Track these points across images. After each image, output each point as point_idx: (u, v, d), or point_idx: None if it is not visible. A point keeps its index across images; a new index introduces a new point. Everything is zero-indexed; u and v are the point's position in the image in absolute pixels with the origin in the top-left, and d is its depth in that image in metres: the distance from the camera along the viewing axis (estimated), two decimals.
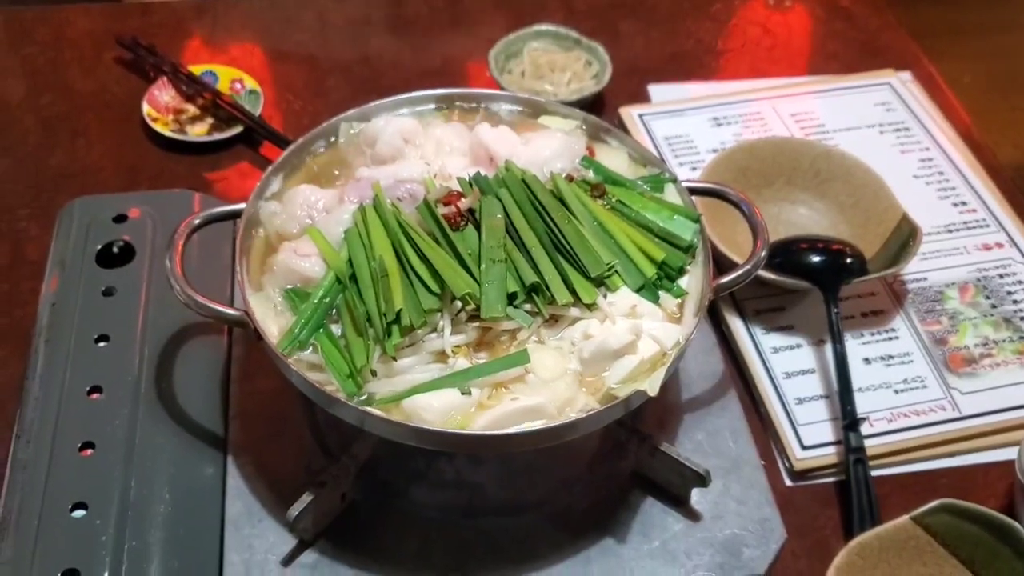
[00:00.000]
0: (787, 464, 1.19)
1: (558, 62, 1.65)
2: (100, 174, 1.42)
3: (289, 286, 0.98)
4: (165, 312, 1.08)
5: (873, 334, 1.33)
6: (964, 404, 1.25)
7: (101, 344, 1.05)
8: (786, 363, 1.29)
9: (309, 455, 1.02)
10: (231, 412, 1.03)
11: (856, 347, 1.31)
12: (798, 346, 1.32)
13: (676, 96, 1.69)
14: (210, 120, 1.51)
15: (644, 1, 1.90)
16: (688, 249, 1.02)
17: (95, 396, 1.00)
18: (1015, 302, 1.38)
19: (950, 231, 1.46)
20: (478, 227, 0.99)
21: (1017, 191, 1.53)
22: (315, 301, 0.95)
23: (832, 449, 1.20)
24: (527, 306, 0.95)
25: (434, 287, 0.93)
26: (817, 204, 1.43)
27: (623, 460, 1.07)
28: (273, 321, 0.95)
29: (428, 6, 1.85)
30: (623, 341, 0.92)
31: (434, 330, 0.93)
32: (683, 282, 1.01)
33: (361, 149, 1.12)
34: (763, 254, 1.02)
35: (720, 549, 1.00)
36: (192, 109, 1.53)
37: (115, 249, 1.13)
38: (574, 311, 0.95)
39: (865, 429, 1.19)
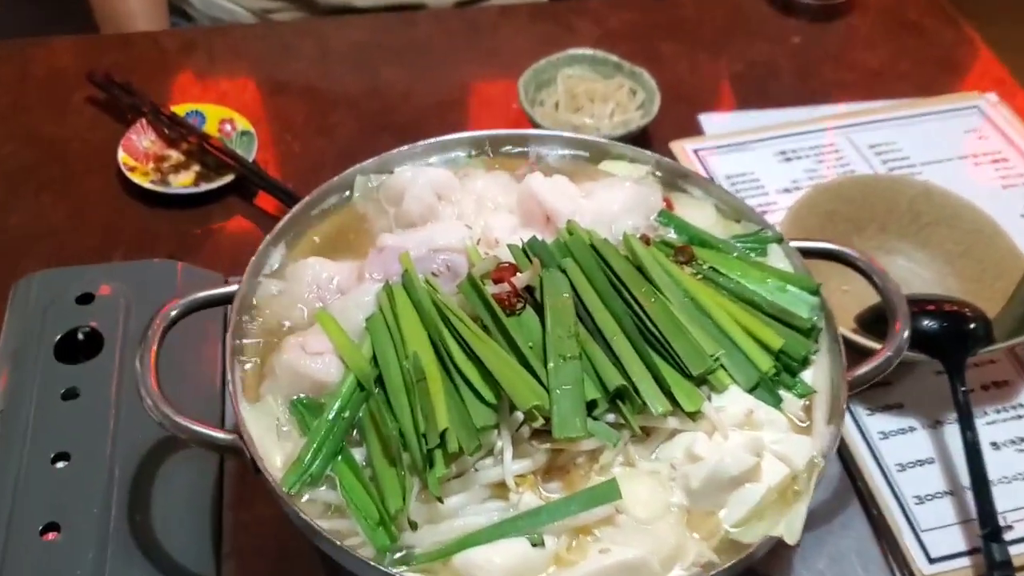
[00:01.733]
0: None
1: (598, 91, 1.42)
2: (68, 236, 1.24)
3: (296, 396, 0.75)
4: (141, 421, 0.85)
5: (999, 411, 1.10)
6: None
7: (59, 464, 0.86)
8: (899, 451, 1.06)
9: None
10: (225, 550, 0.86)
11: (979, 428, 1.07)
12: (911, 429, 1.09)
13: (733, 127, 1.46)
14: (196, 168, 1.32)
15: (686, 19, 1.68)
16: (810, 332, 0.78)
17: (51, 536, 0.80)
18: None
19: None
20: (540, 310, 0.76)
21: None
22: (330, 418, 0.73)
23: (967, 561, 0.97)
24: (610, 416, 0.72)
25: (488, 396, 0.70)
26: (918, 254, 1.21)
27: None
28: (276, 445, 0.73)
29: (442, 29, 1.64)
30: (743, 465, 0.69)
31: (489, 453, 0.70)
32: (807, 376, 0.77)
33: (383, 208, 0.90)
34: (905, 336, 0.79)
35: None
36: (176, 156, 1.35)
37: (80, 336, 0.91)
38: (671, 421, 0.72)
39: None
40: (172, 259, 1.12)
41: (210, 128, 1.37)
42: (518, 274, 0.78)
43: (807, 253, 0.87)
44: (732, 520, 0.70)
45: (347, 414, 0.74)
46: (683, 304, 0.80)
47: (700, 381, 0.75)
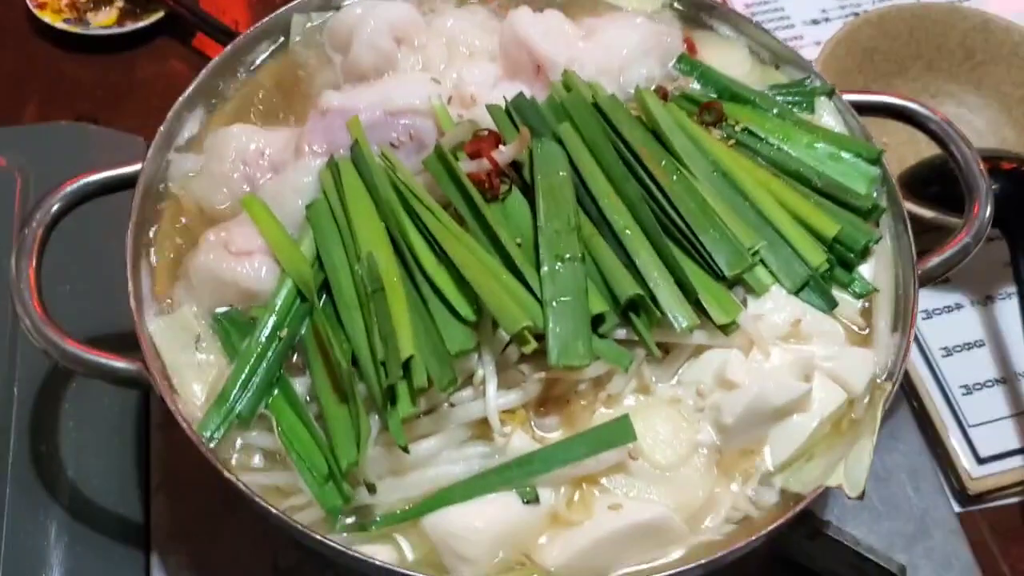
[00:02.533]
0: (954, 484, 0.85)
1: None
2: None
3: (221, 308, 0.58)
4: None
5: None
6: None
7: None
8: (944, 333, 0.94)
9: (276, 542, 0.68)
10: (153, 482, 0.72)
11: None
12: (957, 307, 0.96)
13: None
14: (120, 3, 1.16)
15: None
16: (871, 213, 0.62)
17: None
18: None
19: None
20: (530, 194, 0.59)
21: None
22: (262, 337, 0.57)
23: (1019, 460, 0.86)
24: (621, 331, 0.56)
25: (465, 311, 0.55)
26: (970, 98, 1.06)
27: None
28: (195, 371, 0.58)
29: None
30: (790, 393, 0.55)
31: (468, 382, 0.54)
32: (865, 271, 0.62)
33: (326, 56, 0.72)
34: (987, 217, 0.63)
35: None
36: None
37: None
38: (697, 336, 0.57)
39: None
40: (86, 120, 0.93)
41: None
42: (501, 146, 0.61)
43: (863, 109, 0.69)
44: (775, 462, 0.56)
45: (284, 332, 0.59)
46: (712, 181, 0.63)
47: (733, 282, 0.59)
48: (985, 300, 0.95)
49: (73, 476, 0.69)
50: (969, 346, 0.93)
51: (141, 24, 1.11)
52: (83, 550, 0.69)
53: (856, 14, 1.14)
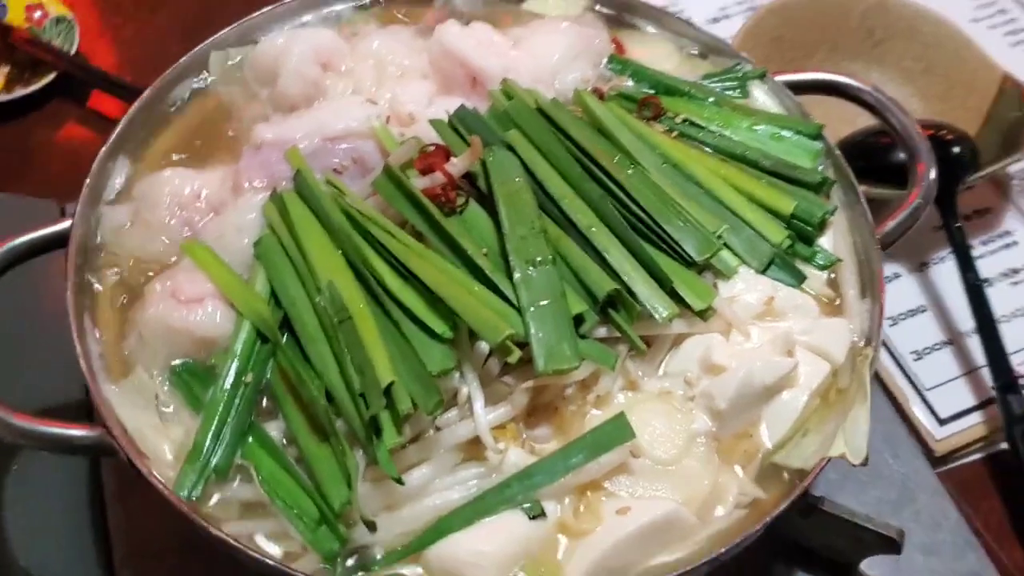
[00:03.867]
0: (922, 448, 0.85)
1: None
2: None
3: (177, 360, 0.55)
4: None
5: (985, 243, 1.00)
6: None
7: None
8: (887, 304, 0.92)
9: None
10: (117, 555, 0.66)
11: None
12: (896, 277, 0.99)
13: None
14: (5, 70, 1.11)
15: None
16: (821, 187, 0.62)
17: None
18: None
19: None
20: (488, 203, 0.57)
21: None
22: (226, 386, 0.53)
23: (979, 417, 0.88)
24: (600, 330, 0.54)
25: (440, 328, 0.52)
26: (875, 76, 1.08)
27: None
28: (160, 433, 0.54)
29: None
30: (778, 370, 0.54)
31: (452, 403, 0.52)
32: (825, 243, 0.62)
33: (251, 91, 0.69)
34: (932, 177, 0.64)
35: None
36: None
37: None
38: (676, 325, 0.56)
39: None
40: None
41: (15, 18, 1.13)
42: (451, 159, 0.59)
43: (797, 88, 0.70)
44: (772, 440, 0.55)
45: (250, 377, 0.54)
46: (664, 173, 0.62)
47: (701, 269, 0.59)
48: (920, 267, 0.97)
49: (27, 564, 0.64)
50: (913, 312, 0.95)
51: (31, 89, 1.06)
52: None
53: (754, 8, 1.16)
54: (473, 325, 0.52)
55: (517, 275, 0.54)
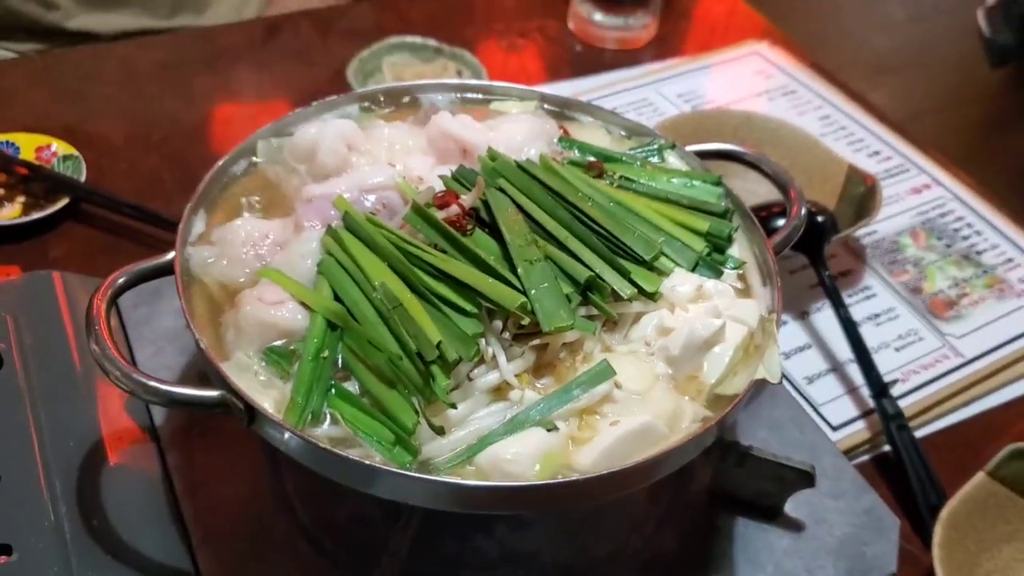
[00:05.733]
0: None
1: (426, 73, 1.46)
2: None
3: (270, 344, 0.72)
4: (64, 428, 0.79)
5: (850, 295, 1.24)
6: (963, 348, 1.19)
7: None
8: (781, 343, 1.17)
9: (311, 568, 0.75)
10: (194, 538, 0.77)
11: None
12: (784, 323, 1.20)
13: (570, 92, 1.54)
14: (22, 199, 1.24)
15: (477, 5, 1.75)
16: (725, 214, 0.86)
17: (3, 559, 0.69)
18: (964, 238, 1.34)
19: (880, 181, 1.40)
20: (490, 229, 0.78)
21: (913, 133, 1.51)
22: (309, 358, 0.70)
23: (862, 424, 1.10)
24: (582, 310, 0.75)
25: (469, 307, 0.71)
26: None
27: (694, 481, 0.88)
28: (263, 395, 0.69)
29: (245, 37, 1.61)
30: (712, 327, 0.75)
31: (480, 362, 0.71)
32: (734, 252, 0.84)
33: (291, 168, 0.88)
34: (804, 202, 0.88)
35: (840, 555, 0.85)
36: None
37: None
38: (636, 305, 0.77)
39: None
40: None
41: (26, 157, 1.28)
42: (462, 197, 0.80)
43: (700, 155, 0.94)
44: (712, 379, 0.75)
45: (326, 354, 0.72)
46: (612, 209, 0.84)
47: (649, 268, 0.80)
48: (802, 315, 1.21)
49: (126, 539, 0.77)
50: (801, 349, 1.17)
51: (48, 211, 1.19)
52: None
53: None
54: (496, 299, 0.71)
55: (520, 270, 0.75)
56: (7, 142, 1.30)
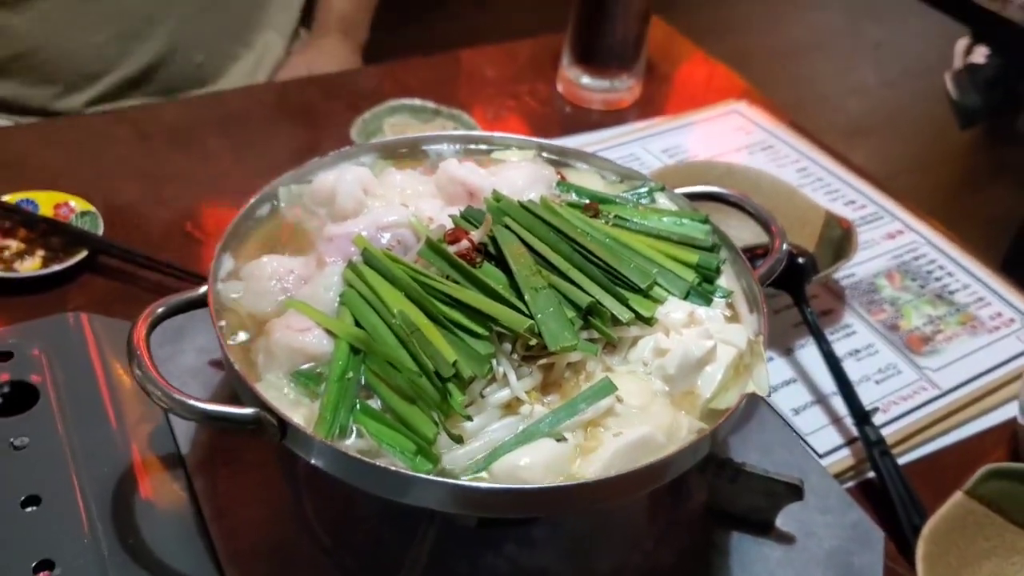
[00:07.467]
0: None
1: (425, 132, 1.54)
2: None
3: (298, 368, 0.79)
4: (97, 455, 0.85)
5: (832, 333, 1.31)
6: (940, 380, 1.26)
7: (29, 509, 0.81)
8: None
9: None
10: (222, 557, 0.82)
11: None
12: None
13: None
14: (41, 253, 1.30)
15: (473, 72, 1.84)
16: (714, 249, 0.93)
17: (47, 574, 0.73)
18: (937, 279, 1.41)
19: (856, 226, 1.48)
20: (497, 262, 0.85)
21: (884, 182, 1.60)
22: (335, 379, 0.76)
23: (847, 451, 1.16)
24: (584, 333, 0.82)
25: (480, 330, 0.77)
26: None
27: (690, 499, 0.94)
28: (294, 412, 0.75)
29: (255, 101, 1.69)
30: (704, 347, 0.81)
31: (492, 380, 0.77)
32: (722, 283, 0.92)
33: (311, 211, 0.95)
34: (785, 237, 0.96)
35: (829, 566, 0.90)
36: (15, 244, 1.31)
37: (4, 389, 0.87)
38: (633, 330, 0.83)
39: None
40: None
41: (45, 213, 1.34)
42: (471, 233, 0.87)
43: (689, 197, 1.02)
44: (706, 395, 0.81)
45: (351, 375, 0.78)
46: (608, 244, 0.91)
47: (644, 295, 0.87)
48: (787, 352, 1.28)
49: (161, 557, 0.82)
50: (787, 383, 1.24)
51: (67, 264, 1.24)
52: None
53: None
54: (505, 323, 0.78)
55: (527, 296, 0.81)
56: (27, 200, 1.36)
